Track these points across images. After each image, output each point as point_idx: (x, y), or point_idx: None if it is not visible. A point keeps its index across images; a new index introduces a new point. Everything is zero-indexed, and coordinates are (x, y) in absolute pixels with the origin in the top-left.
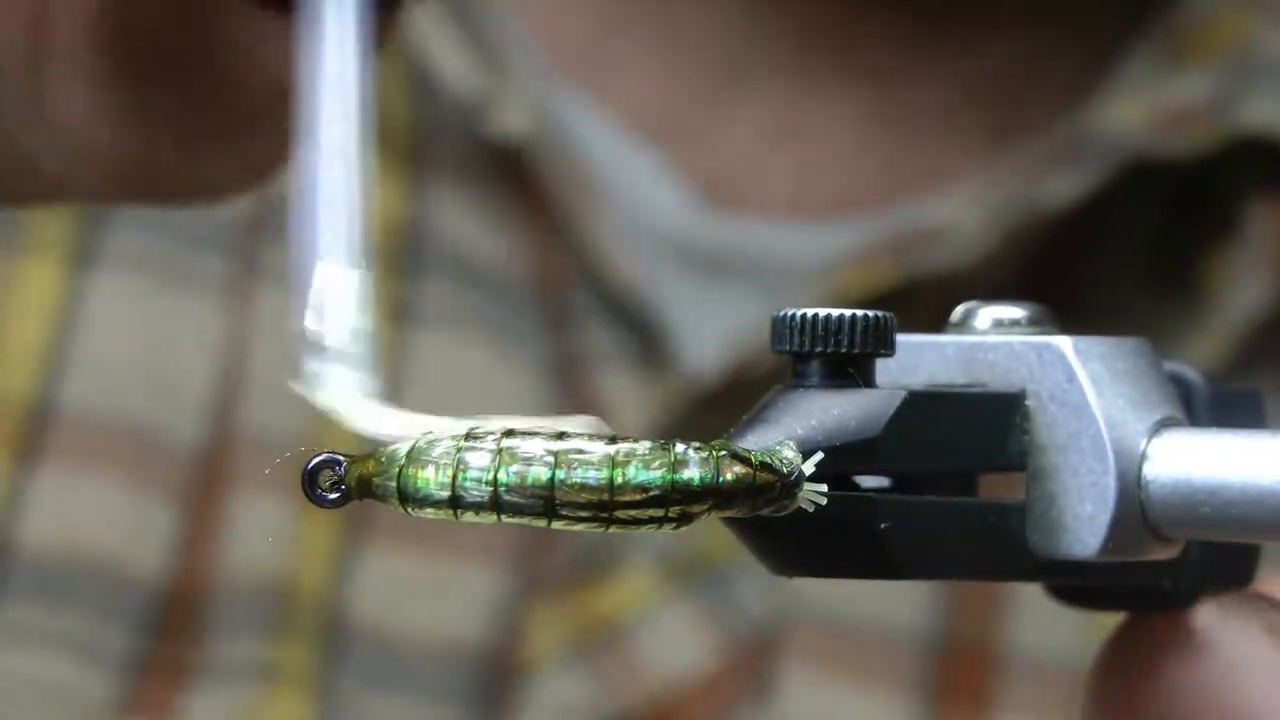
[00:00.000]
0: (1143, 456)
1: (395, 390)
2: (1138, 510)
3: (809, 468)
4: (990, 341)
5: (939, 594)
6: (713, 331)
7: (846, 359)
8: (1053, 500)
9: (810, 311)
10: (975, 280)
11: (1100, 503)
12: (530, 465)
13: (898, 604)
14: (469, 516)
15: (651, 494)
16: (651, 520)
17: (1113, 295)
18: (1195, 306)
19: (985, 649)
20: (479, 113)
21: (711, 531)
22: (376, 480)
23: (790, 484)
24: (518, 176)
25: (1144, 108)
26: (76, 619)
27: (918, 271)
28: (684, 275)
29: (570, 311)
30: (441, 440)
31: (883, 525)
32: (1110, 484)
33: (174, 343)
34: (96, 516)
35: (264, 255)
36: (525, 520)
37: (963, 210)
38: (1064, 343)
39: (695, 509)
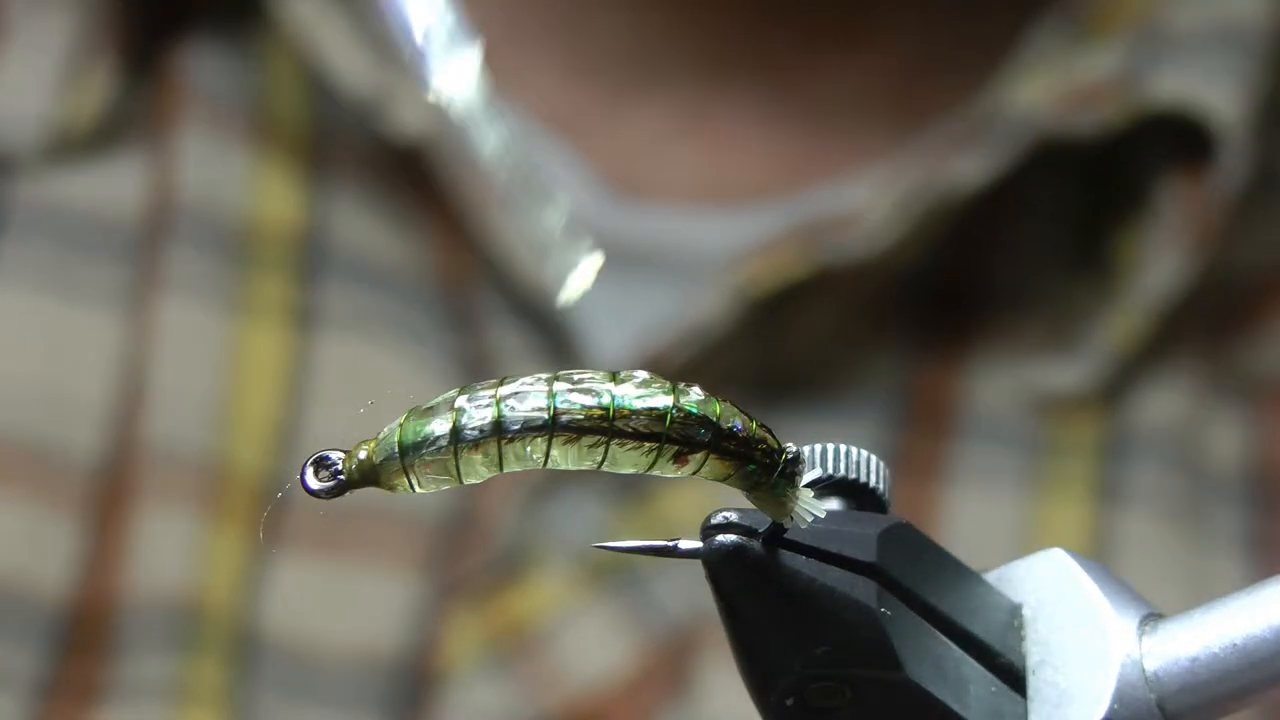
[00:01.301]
0: (1142, 657)
1: (299, 398)
2: (1151, 706)
3: (809, 477)
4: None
5: None
6: (622, 325)
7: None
8: (1057, 687)
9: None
10: (886, 268)
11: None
12: (532, 387)
13: None
14: (470, 460)
15: (654, 413)
16: (652, 437)
17: (1026, 276)
18: (1109, 284)
19: None
20: (376, 111)
21: (631, 531)
22: (375, 447)
23: (789, 460)
24: (419, 174)
25: (1051, 86)
26: None
27: (827, 260)
28: None
29: (477, 309)
30: (435, 401)
31: (882, 609)
32: (1110, 681)
33: (71, 355)
34: None
35: (163, 264)
36: (527, 442)
37: (871, 197)
38: (1060, 552)
39: (693, 435)
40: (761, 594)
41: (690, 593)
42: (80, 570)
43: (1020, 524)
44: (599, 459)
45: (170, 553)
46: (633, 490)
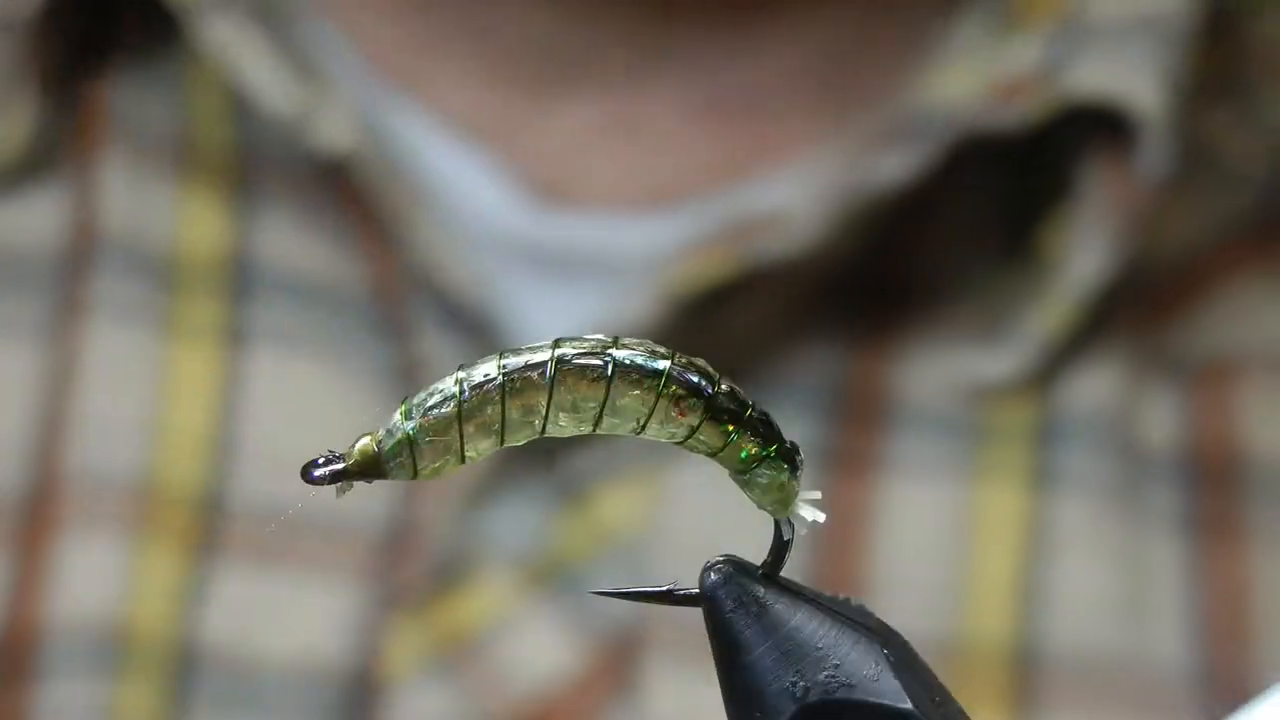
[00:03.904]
0: None
1: (231, 413)
2: None
3: (813, 500)
4: None
5: (807, 577)
6: (552, 329)
7: None
8: None
9: None
10: (813, 266)
11: None
12: (534, 346)
13: None
14: (476, 415)
15: (655, 353)
16: (652, 375)
17: (956, 268)
18: (1039, 274)
19: None
20: (299, 128)
21: (569, 534)
22: (378, 433)
23: (788, 449)
24: (345, 189)
25: (974, 79)
26: None
27: (753, 260)
28: (520, 275)
29: (408, 320)
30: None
31: (885, 652)
32: None
33: None
34: None
35: (86, 293)
36: (528, 397)
37: (794, 194)
38: None
39: (692, 381)
40: (760, 620)
41: None
42: (3, 601)
43: (957, 513)
44: (599, 405)
45: (95, 577)
46: (569, 496)
